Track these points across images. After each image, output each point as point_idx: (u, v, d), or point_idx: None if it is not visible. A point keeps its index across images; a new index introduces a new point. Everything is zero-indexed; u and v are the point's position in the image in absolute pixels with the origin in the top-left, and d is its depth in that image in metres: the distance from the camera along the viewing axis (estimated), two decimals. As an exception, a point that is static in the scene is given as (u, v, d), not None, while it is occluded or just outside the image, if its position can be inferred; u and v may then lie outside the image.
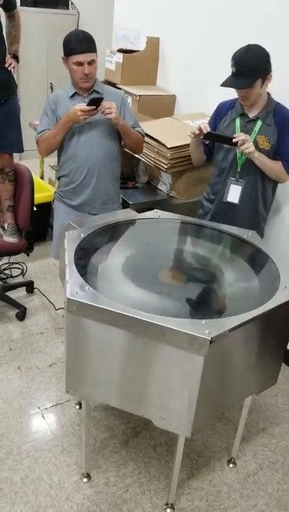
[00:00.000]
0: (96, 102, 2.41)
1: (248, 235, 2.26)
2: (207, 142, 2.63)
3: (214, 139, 2.52)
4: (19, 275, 3.61)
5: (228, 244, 2.29)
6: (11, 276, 3.59)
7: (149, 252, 2.23)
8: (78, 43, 2.40)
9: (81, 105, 2.43)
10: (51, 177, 4.19)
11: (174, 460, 1.99)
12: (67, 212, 2.76)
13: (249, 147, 2.31)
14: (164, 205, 2.99)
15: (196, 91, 3.40)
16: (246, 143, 2.31)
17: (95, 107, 2.42)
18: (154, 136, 2.86)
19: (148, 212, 2.42)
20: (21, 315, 3.16)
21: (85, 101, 2.53)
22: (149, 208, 2.76)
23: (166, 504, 2.12)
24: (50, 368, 2.82)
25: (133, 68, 3.51)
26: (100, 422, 2.49)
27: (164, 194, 3.08)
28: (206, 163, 2.77)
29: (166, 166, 2.83)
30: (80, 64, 2.44)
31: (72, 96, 2.58)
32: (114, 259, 2.09)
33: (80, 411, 2.56)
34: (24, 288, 3.45)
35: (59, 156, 2.72)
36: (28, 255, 3.22)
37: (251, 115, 2.44)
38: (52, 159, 4.17)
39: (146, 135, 2.82)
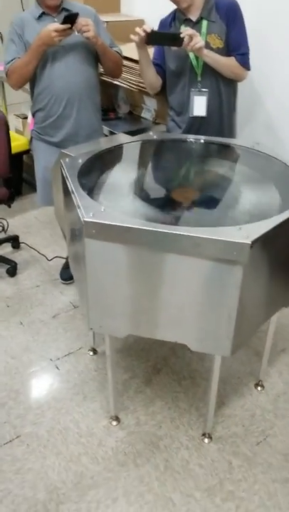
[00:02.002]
0: (71, 19, 2.16)
1: (255, 145, 2.11)
2: (158, 61, 2.41)
3: (159, 42, 2.25)
4: (0, 232, 3.37)
5: (237, 156, 2.14)
6: (-8, 235, 3.36)
7: (154, 172, 2.05)
8: None
9: (54, 25, 2.18)
10: (17, 127, 3.90)
11: (210, 385, 1.89)
12: (49, 150, 2.53)
13: (198, 42, 2.10)
14: (151, 133, 2.79)
15: (165, 12, 3.16)
16: (194, 37, 2.10)
17: (70, 26, 2.17)
18: (134, 58, 2.63)
19: (142, 134, 2.23)
20: (12, 270, 2.95)
21: (55, 21, 2.28)
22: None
23: (203, 434, 2.04)
24: (54, 319, 2.65)
25: (95, -6, 3.21)
26: (119, 364, 2.36)
27: (149, 122, 2.87)
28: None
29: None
30: (47, -23, 2.17)
31: (40, 17, 2.31)
32: (121, 181, 1.90)
33: (95, 357, 2.42)
34: (9, 244, 3.23)
35: (32, 88, 2.46)
36: (9, 207, 2.98)
37: (194, 18, 2.26)
38: (17, 107, 3.89)
39: (125, 58, 2.59)
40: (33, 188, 3.88)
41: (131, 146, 2.14)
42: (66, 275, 2.92)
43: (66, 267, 2.96)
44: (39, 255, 3.14)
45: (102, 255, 1.58)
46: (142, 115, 2.89)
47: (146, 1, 3.39)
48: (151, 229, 1.48)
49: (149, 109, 2.82)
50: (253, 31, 2.29)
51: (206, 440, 2.02)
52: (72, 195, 1.69)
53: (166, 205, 1.78)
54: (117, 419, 2.10)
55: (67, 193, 1.85)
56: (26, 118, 3.86)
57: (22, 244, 3.24)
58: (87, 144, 2.14)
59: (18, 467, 1.90)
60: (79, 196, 1.65)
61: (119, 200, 1.76)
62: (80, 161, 1.91)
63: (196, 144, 2.19)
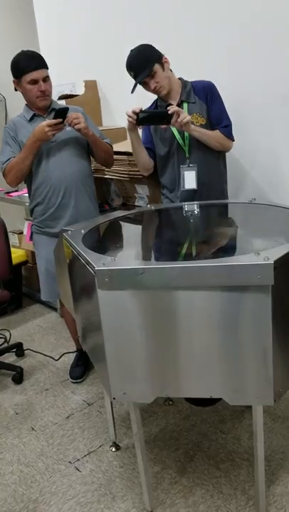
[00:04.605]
0: (62, 114, 2.30)
1: (252, 200, 2.14)
2: (148, 145, 2.52)
3: (149, 121, 2.36)
4: (3, 344, 3.23)
5: (237, 210, 2.15)
6: (-5, 347, 3.21)
7: (159, 232, 2.03)
8: (29, 61, 2.34)
9: (47, 121, 2.32)
10: (14, 242, 3.96)
11: (256, 454, 1.66)
12: (50, 242, 2.51)
13: (186, 116, 2.22)
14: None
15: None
16: (181, 114, 2.21)
17: (61, 120, 2.31)
18: (122, 150, 2.78)
19: (141, 207, 2.26)
20: (18, 377, 2.76)
21: (47, 120, 2.43)
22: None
23: (257, 519, 1.75)
24: (69, 420, 2.42)
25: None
26: (147, 457, 2.09)
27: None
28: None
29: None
30: (35, 82, 2.36)
31: (32, 119, 2.47)
32: (126, 243, 1.87)
33: (118, 453, 2.17)
34: (13, 354, 3.06)
35: (29, 184, 2.54)
36: (11, 312, 2.89)
37: (175, 102, 2.39)
38: (12, 223, 3.98)
39: (114, 153, 2.72)
40: (33, 300, 3.84)
41: (131, 216, 2.16)
42: (76, 373, 2.74)
43: (75, 365, 2.79)
44: (45, 359, 2.97)
45: (116, 307, 1.48)
46: (136, 204, 2.95)
47: (124, 111, 3.65)
48: (166, 266, 1.42)
49: (142, 196, 2.90)
50: (233, 112, 2.46)
51: (262, 525, 1.73)
52: (80, 257, 1.64)
53: (175, 255, 1.73)
54: (154, 516, 1.81)
55: (72, 262, 1.80)
56: (22, 233, 3.95)
57: (26, 351, 3.09)
58: (87, 221, 2.15)
59: None
60: (86, 254, 1.60)
61: (127, 255, 1.72)
62: (82, 231, 1.90)
63: (194, 207, 2.21)
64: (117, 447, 2.19)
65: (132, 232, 2.05)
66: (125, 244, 1.88)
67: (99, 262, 1.48)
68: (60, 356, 2.94)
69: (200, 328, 1.46)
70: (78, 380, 2.72)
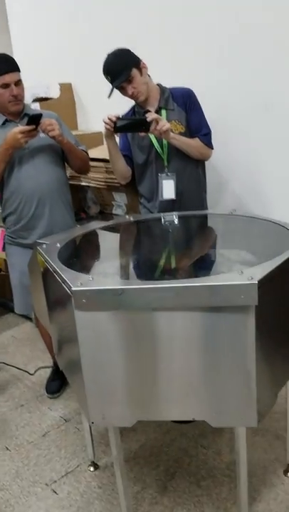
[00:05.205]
0: (35, 120, 2.22)
1: (233, 211, 2.10)
2: (126, 152, 2.46)
3: (127, 129, 2.30)
4: (-25, 356, 3.12)
5: (218, 222, 2.11)
6: None
7: (139, 247, 1.98)
8: (1, 64, 2.24)
9: (19, 127, 2.23)
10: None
11: (239, 474, 1.61)
12: (24, 254, 2.40)
13: (165, 124, 2.17)
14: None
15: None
16: (160, 121, 2.16)
17: (34, 127, 2.22)
18: (99, 157, 2.70)
19: (119, 217, 2.19)
20: (-9, 392, 2.67)
21: (18, 126, 2.33)
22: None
23: (240, 539, 1.70)
24: (45, 438, 2.34)
25: (52, 115, 3.41)
26: (127, 476, 2.03)
27: (122, 217, 2.86)
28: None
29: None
30: (6, 86, 2.26)
31: (3, 124, 2.37)
32: (104, 259, 1.81)
33: (97, 472, 2.10)
34: (-15, 367, 2.97)
35: (0, 192, 2.44)
36: (-16, 324, 2.79)
37: (153, 109, 2.33)
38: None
39: (91, 159, 2.64)
40: (6, 309, 3.73)
41: (109, 228, 2.09)
42: (53, 388, 2.66)
43: (52, 380, 2.70)
44: (20, 373, 2.87)
45: (94, 328, 1.41)
46: (114, 212, 2.88)
47: (101, 116, 3.58)
48: (146, 286, 1.36)
49: (119, 204, 2.83)
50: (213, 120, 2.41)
51: None
52: (56, 274, 1.56)
53: (155, 273, 1.67)
54: (134, 540, 1.75)
55: (48, 278, 1.72)
56: (-6, 240, 3.83)
57: (0, 365, 2.98)
58: (63, 233, 2.06)
59: None
60: (62, 272, 1.53)
61: (106, 273, 1.65)
62: (58, 245, 1.82)
63: (173, 219, 2.15)
64: (96, 466, 2.13)
65: (109, 246, 1.99)
66: (103, 259, 1.81)
67: (76, 282, 1.41)
68: (36, 370, 2.85)
69: (181, 349, 1.40)
70: (55, 395, 2.64)
